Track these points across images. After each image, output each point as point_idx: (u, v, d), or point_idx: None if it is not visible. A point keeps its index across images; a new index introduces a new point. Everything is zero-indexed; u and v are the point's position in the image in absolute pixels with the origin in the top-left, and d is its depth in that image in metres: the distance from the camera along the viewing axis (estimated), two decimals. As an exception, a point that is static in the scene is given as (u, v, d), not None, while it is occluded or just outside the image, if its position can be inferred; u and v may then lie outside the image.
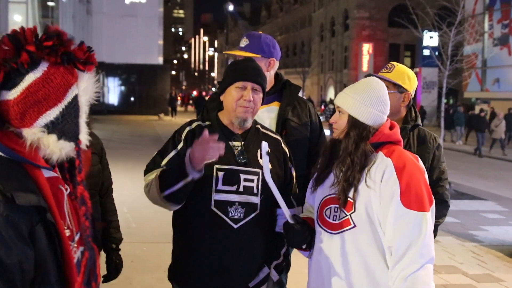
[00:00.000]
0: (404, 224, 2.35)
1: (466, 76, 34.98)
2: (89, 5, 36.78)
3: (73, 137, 1.75)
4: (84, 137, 1.79)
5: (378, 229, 2.44)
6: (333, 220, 2.54)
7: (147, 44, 43.23)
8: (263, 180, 2.74)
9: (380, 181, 2.43)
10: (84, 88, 1.79)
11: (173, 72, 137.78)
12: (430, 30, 28.63)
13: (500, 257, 7.57)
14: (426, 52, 36.52)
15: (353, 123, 2.55)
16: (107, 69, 42.05)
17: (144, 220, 8.57)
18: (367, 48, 51.79)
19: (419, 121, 3.59)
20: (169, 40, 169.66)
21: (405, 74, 3.45)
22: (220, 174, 2.75)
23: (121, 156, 16.02)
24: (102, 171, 3.46)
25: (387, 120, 2.63)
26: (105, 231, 3.55)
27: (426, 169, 2.62)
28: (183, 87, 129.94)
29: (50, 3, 25.95)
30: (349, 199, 2.48)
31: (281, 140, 3.03)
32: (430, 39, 33.44)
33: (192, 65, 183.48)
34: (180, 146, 2.84)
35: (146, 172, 2.85)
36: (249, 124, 2.87)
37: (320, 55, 62.27)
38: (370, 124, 2.55)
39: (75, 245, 1.86)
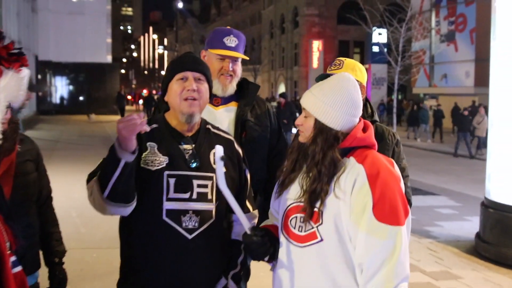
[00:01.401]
0: (377, 239, 2.13)
1: (414, 72, 35.45)
2: (34, 2, 35.64)
3: None
4: None
5: (348, 244, 2.20)
6: (298, 231, 2.29)
7: (95, 42, 42.43)
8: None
9: (351, 191, 2.19)
10: (5, 85, 1.68)
11: (123, 71, 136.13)
12: (379, 27, 28.98)
13: (456, 253, 7.57)
14: (376, 49, 36.99)
15: (320, 128, 2.29)
16: (54, 68, 41.18)
17: (93, 224, 8.25)
18: (317, 45, 52.09)
19: (376, 117, 3.49)
20: (118, 38, 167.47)
21: (356, 67, 3.32)
22: (171, 180, 2.51)
23: (69, 158, 15.62)
24: (39, 179, 3.17)
25: (359, 121, 2.37)
26: (46, 244, 3.24)
27: None
28: (133, 86, 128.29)
29: (-7, 0, 25.11)
30: (316, 209, 2.24)
31: (234, 140, 2.81)
32: (379, 35, 33.83)
33: (142, 64, 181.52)
34: None
35: (88, 179, 2.55)
36: (197, 119, 2.62)
37: (271, 52, 62.39)
38: (339, 129, 2.29)
39: (9, 252, 1.74)
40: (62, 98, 42.89)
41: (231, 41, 3.29)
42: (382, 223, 2.13)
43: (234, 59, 3.31)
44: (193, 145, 2.61)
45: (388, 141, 3.39)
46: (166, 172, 2.52)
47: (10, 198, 2.62)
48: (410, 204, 3.29)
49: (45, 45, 38.66)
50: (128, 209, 2.47)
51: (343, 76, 2.38)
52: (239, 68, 3.36)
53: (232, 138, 2.82)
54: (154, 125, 2.65)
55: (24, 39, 29.34)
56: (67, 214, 8.46)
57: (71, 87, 43.38)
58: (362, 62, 42.48)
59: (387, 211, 2.14)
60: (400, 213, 2.17)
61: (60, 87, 43.25)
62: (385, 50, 21.26)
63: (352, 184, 2.19)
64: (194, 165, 2.56)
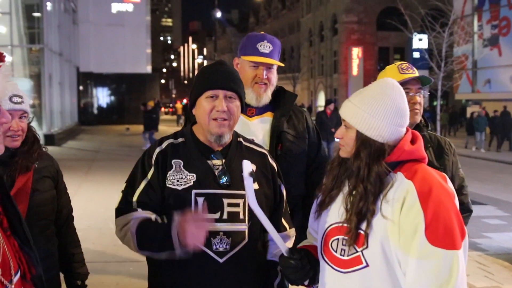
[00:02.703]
0: (430, 266, 1.87)
1: (457, 78, 34.76)
2: (75, 14, 36.20)
3: None
4: None
5: (397, 270, 1.95)
6: (341, 255, 2.05)
7: (135, 53, 42.91)
8: None
9: (400, 210, 1.93)
10: None
11: (163, 81, 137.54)
12: (419, 33, 28.51)
13: (507, 267, 7.19)
14: (416, 55, 36.40)
15: (363, 141, 2.03)
16: (95, 79, 41.85)
17: (131, 237, 8.14)
18: (356, 52, 51.69)
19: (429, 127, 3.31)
20: (158, 49, 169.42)
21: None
22: (200, 200, 2.32)
23: (108, 168, 15.67)
24: (58, 197, 3.01)
25: (407, 131, 2.11)
26: (67, 266, 3.09)
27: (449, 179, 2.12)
28: (173, 96, 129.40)
29: (35, 14, 25.44)
30: (360, 231, 1.99)
31: (267, 154, 2.59)
32: (420, 41, 33.33)
33: (182, 73, 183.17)
34: (150, 173, 2.39)
35: (118, 214, 2.39)
36: (227, 139, 2.43)
37: (310, 60, 62.15)
38: (384, 142, 2.03)
39: (12, 286, 1.59)
40: (103, 109, 43.50)
41: (265, 47, 3.08)
42: (436, 247, 1.87)
43: (268, 66, 3.11)
44: (223, 160, 2.41)
45: (446, 151, 3.21)
46: (194, 191, 2.33)
47: (26, 217, 2.47)
48: (470, 213, 3.18)
49: (86, 57, 39.27)
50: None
51: (386, 82, 2.11)
52: (274, 76, 3.15)
53: (265, 151, 2.62)
54: (181, 139, 2.48)
55: (65, 51, 29.75)
56: (105, 225, 8.40)
57: (112, 98, 44.03)
58: (403, 68, 41.89)
59: (441, 233, 1.89)
60: (456, 235, 1.92)
61: (101, 98, 43.96)
62: (426, 56, 20.94)
63: (401, 203, 1.94)
64: (224, 181, 2.37)
